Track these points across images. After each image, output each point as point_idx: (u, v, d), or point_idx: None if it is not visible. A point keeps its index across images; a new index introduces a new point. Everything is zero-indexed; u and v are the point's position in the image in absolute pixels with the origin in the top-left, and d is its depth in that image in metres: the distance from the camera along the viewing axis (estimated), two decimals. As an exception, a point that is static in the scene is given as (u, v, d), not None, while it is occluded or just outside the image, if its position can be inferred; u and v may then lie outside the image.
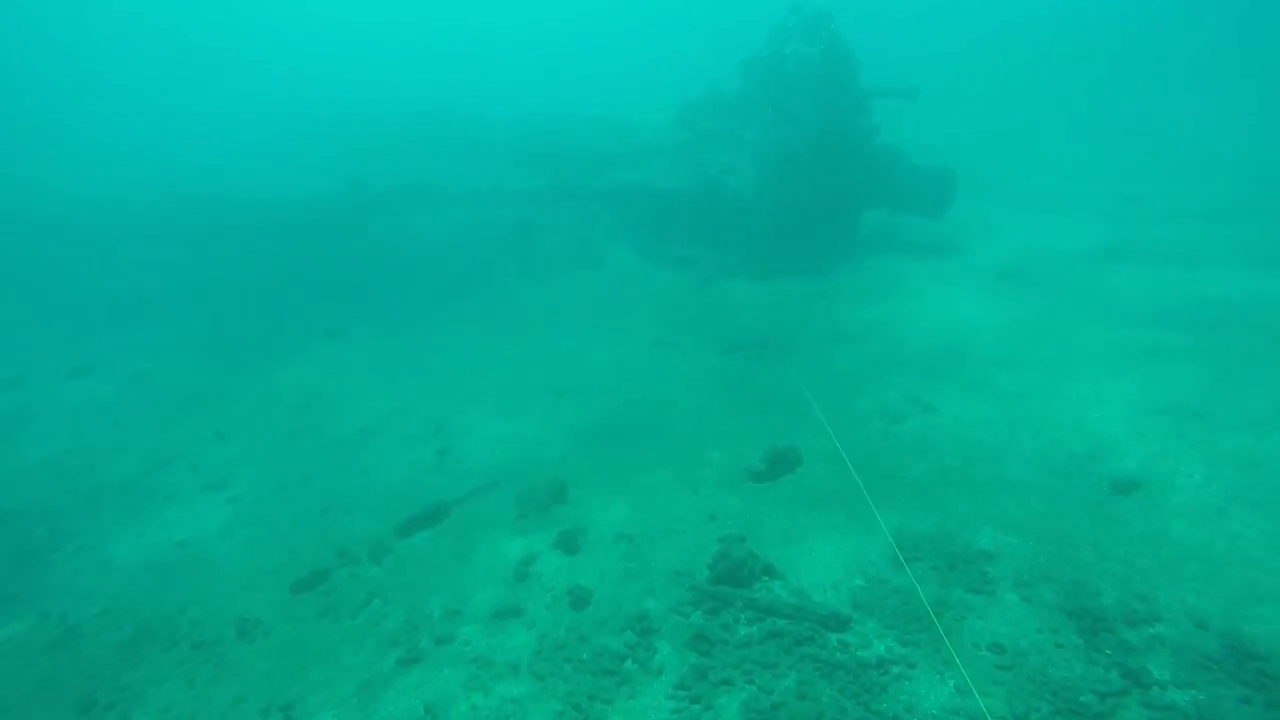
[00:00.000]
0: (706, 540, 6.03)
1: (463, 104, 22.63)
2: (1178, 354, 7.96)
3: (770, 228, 11.91)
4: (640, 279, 13.11)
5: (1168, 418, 6.79)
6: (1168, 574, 5.03)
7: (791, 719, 4.21)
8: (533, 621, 5.41)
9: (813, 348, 9.48)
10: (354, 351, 11.95)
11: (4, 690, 5.54)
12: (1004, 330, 9.12)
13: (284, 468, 8.70)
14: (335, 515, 7.47)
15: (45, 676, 5.65)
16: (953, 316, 9.72)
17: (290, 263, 15.59)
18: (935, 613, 4.78)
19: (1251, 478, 5.81)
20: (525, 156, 17.70)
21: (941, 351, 8.84)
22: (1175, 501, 5.73)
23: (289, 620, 5.95)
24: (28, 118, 23.71)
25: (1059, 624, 4.73)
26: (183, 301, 14.91)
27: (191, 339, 13.23)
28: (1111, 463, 6.30)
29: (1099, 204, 14.35)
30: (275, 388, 11.03)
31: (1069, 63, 28.33)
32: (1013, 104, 22.73)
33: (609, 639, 5.06)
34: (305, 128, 21.42)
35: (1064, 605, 4.88)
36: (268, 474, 8.62)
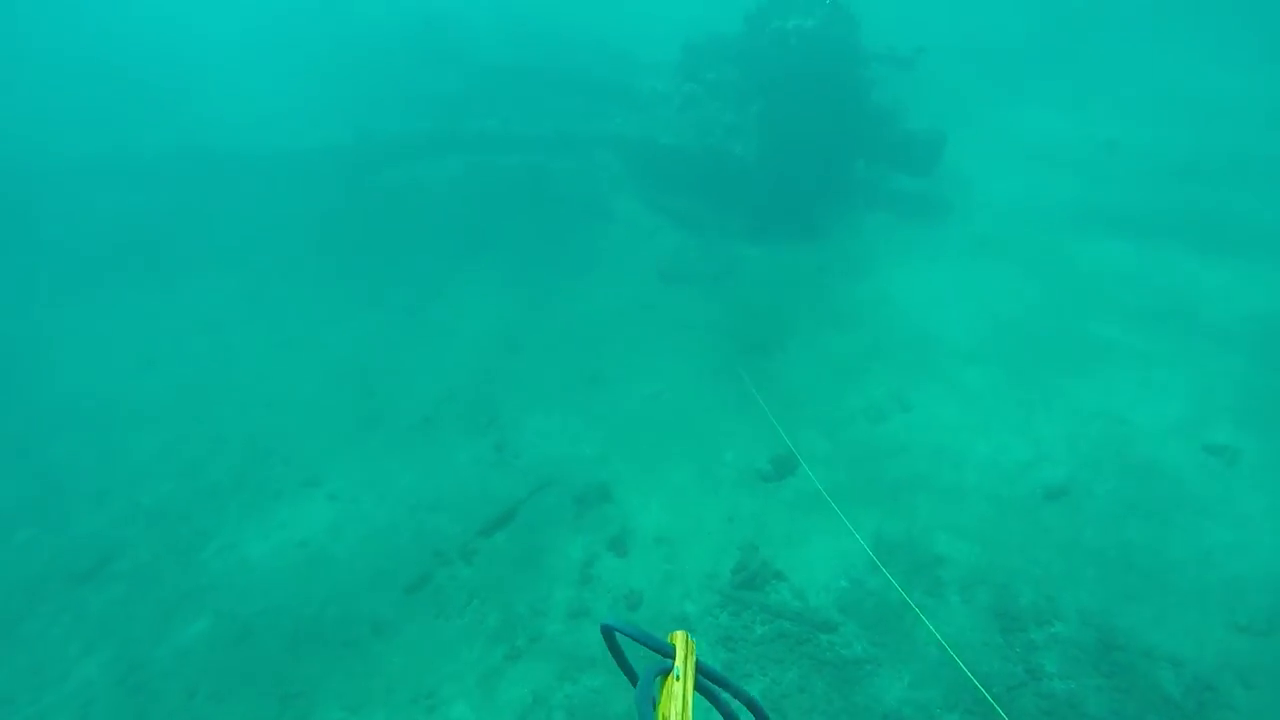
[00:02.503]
0: (728, 543, 7.79)
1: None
2: (1118, 352, 9.41)
3: (771, 192, 12.97)
4: (649, 237, 14.26)
5: (1098, 423, 8.37)
6: (1072, 577, 6.79)
7: (795, 709, 6.10)
8: (596, 620, 7.25)
9: (810, 334, 10.86)
10: (394, 323, 13.26)
11: (213, 682, 7.47)
12: (974, 320, 10.49)
13: (365, 462, 10.34)
14: (422, 514, 9.20)
15: (241, 670, 7.55)
16: (932, 301, 11.05)
17: (316, 220, 16.48)
18: (909, 607, 6.59)
19: (1149, 488, 7.47)
20: (528, 95, 18.21)
21: (920, 342, 10.26)
22: (1088, 509, 7.42)
23: (410, 620, 7.79)
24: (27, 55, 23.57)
25: (987, 623, 6.54)
26: (217, 263, 15.96)
27: (236, 306, 14.48)
28: (1046, 470, 7.94)
29: (1077, 152, 15.20)
30: (330, 364, 12.43)
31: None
32: (1003, 36, 22.46)
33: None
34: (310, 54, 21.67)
35: (993, 607, 6.67)
36: (353, 468, 10.27)
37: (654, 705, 1.46)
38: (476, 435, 10.37)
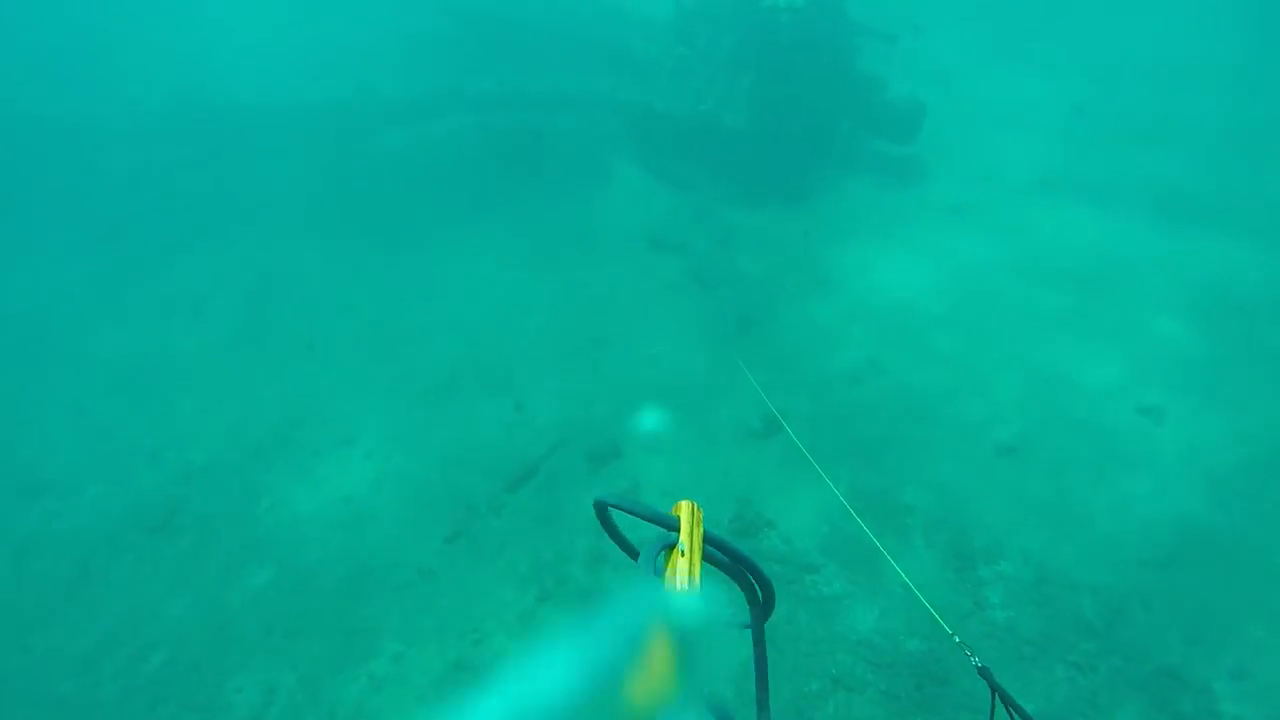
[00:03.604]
0: (725, 495, 8.99)
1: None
2: (1070, 319, 10.52)
3: (760, 161, 13.80)
4: (646, 200, 15.09)
5: (1047, 386, 9.54)
6: (1017, 523, 8.05)
7: (784, 638, 7.39)
8: (616, 566, 8.49)
9: (797, 300, 11.87)
10: (409, 284, 14.13)
11: (285, 621, 8.70)
12: (945, 286, 11.52)
13: (396, 420, 11.41)
14: (454, 471, 10.34)
15: (308, 611, 8.79)
16: (907, 267, 12.06)
17: (324, 180, 17.10)
18: (881, 550, 7.84)
19: (1086, 444, 8.70)
20: (523, 51, 18.56)
21: (895, 308, 11.31)
22: (1034, 463, 8.64)
23: (451, 566, 9.02)
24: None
25: (945, 563, 7.81)
26: (229, 223, 16.61)
27: (254, 266, 15.25)
28: (1000, 429, 9.13)
29: (1047, 117, 15.98)
30: (353, 324, 13.35)
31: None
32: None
33: (670, 582, 8.21)
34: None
35: (950, 548, 7.94)
36: (385, 428, 11.35)
37: (661, 575, 1.39)
38: (497, 395, 11.42)
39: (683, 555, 1.45)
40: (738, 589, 1.65)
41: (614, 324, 12.26)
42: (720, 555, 1.58)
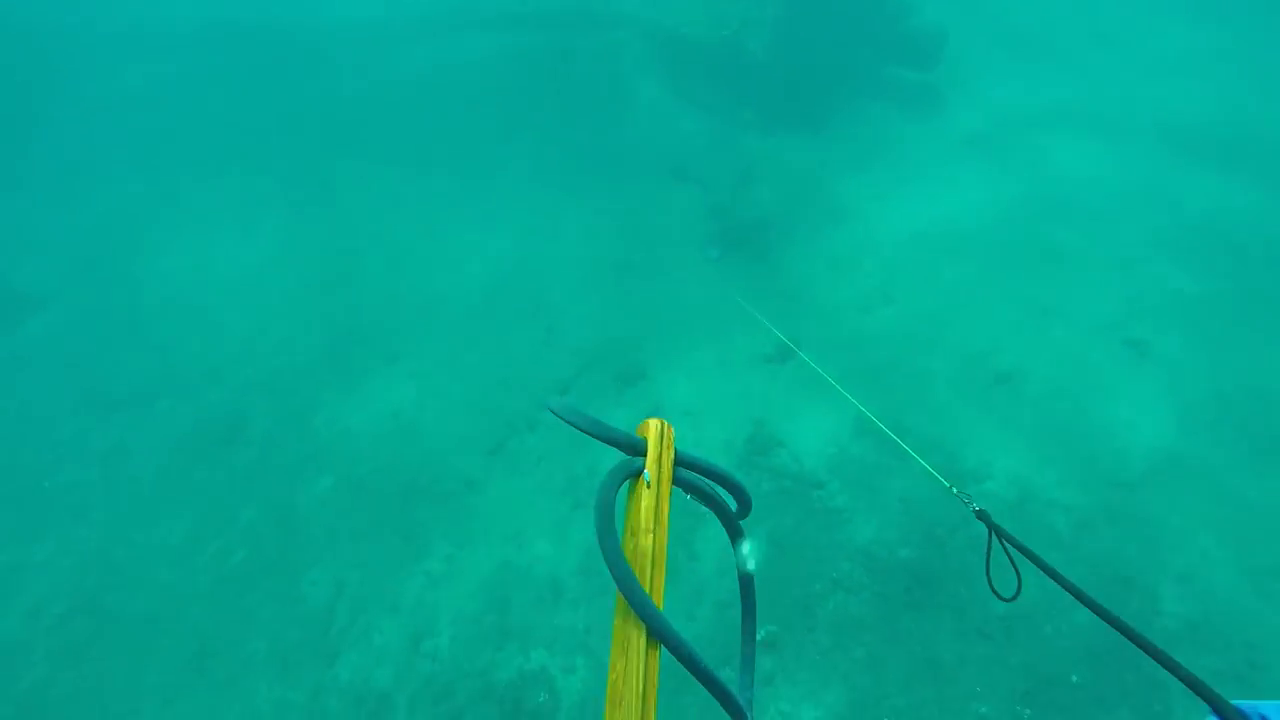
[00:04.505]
0: (741, 417, 9.88)
1: None
2: (1071, 254, 11.07)
3: (784, 86, 14.07)
4: (668, 122, 15.41)
5: (1044, 319, 10.22)
6: (1006, 447, 8.92)
7: (791, 545, 8.42)
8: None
9: (812, 228, 12.43)
10: (442, 208, 14.74)
11: (347, 524, 9.83)
12: (955, 218, 12.03)
13: (437, 343, 12.26)
14: (491, 390, 11.25)
15: (366, 516, 9.89)
16: (919, 197, 12.52)
17: (355, 101, 17.42)
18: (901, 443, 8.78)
19: (1074, 375, 9.46)
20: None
21: (906, 238, 11.87)
22: (1026, 392, 9.44)
23: (492, 478, 10.03)
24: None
25: (937, 481, 8.73)
26: (264, 144, 17.10)
27: (291, 188, 15.83)
28: (997, 359, 9.88)
29: (1069, 42, 15.92)
30: (390, 247, 14.06)
31: None
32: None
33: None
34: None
35: (941, 468, 8.83)
36: (425, 348, 12.21)
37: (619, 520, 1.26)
38: (528, 319, 12.22)
39: (648, 487, 1.30)
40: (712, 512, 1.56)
41: (637, 250, 12.90)
42: (694, 477, 1.46)
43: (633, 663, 1.15)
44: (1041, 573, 1.78)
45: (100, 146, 17.14)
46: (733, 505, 1.61)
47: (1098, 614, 1.51)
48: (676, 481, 1.42)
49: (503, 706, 7.38)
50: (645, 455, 1.36)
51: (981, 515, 2.01)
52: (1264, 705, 1.06)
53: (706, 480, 1.49)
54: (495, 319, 12.34)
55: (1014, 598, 1.96)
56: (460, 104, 16.39)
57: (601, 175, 14.42)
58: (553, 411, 1.37)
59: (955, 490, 2.40)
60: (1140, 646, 1.38)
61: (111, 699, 8.06)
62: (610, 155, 14.77)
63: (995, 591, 2.00)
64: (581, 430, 1.35)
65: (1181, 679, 1.24)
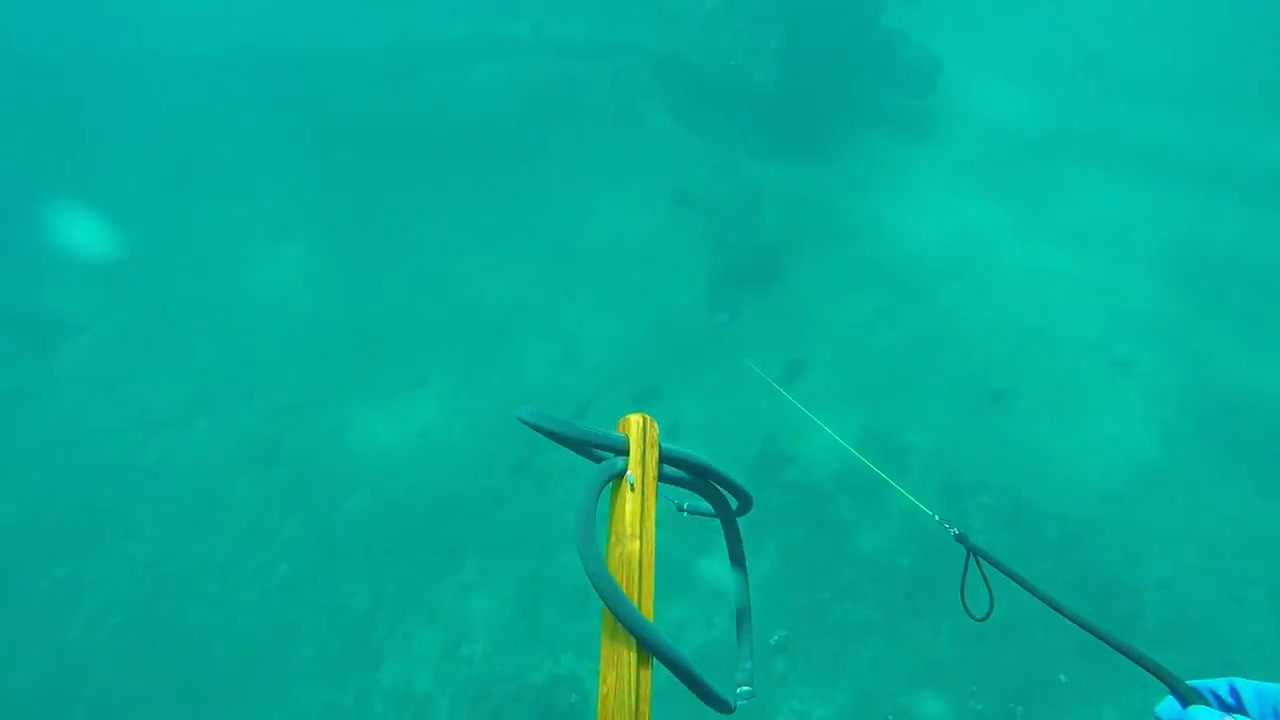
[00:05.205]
0: (752, 434, 10.51)
1: None
2: (1060, 276, 11.71)
3: (788, 115, 14.75)
4: (674, 148, 16.10)
5: (1035, 340, 10.86)
6: (1000, 462, 9.55)
7: (801, 556, 9.05)
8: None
9: (817, 252, 13.06)
10: (460, 230, 15.38)
11: (383, 540, 10.44)
12: (950, 242, 12.68)
13: (458, 362, 12.89)
14: (514, 408, 11.87)
15: (401, 531, 10.51)
16: (917, 220, 13.18)
17: (372, 128, 18.06)
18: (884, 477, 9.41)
19: (1063, 393, 10.10)
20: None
21: (905, 261, 12.52)
22: (1018, 410, 10.07)
23: (518, 494, 10.65)
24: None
25: (937, 494, 9.37)
26: (284, 168, 17.73)
27: (314, 212, 16.47)
28: (990, 378, 10.51)
29: (1059, 68, 16.61)
30: (411, 270, 14.70)
31: None
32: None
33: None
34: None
35: (942, 482, 9.47)
36: (449, 369, 12.84)
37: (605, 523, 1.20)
38: (546, 340, 12.86)
39: (632, 490, 1.27)
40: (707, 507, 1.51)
41: (650, 274, 13.54)
42: (681, 473, 1.44)
43: (623, 677, 1.13)
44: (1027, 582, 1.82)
45: (134, 171, 17.79)
46: (733, 504, 1.56)
47: (1073, 620, 1.55)
48: (663, 479, 1.37)
49: (538, 706, 8.00)
50: (628, 455, 1.32)
51: (960, 538, 1.99)
52: (1214, 682, 1.12)
53: (699, 478, 1.47)
54: (514, 340, 12.97)
55: (985, 618, 1.95)
56: (469, 128, 17.03)
57: (611, 199, 15.06)
58: (522, 420, 1.34)
59: (937, 517, 2.35)
60: (1102, 639, 1.43)
61: (171, 703, 8.69)
62: (618, 179, 15.43)
63: (968, 611, 2.01)
64: (555, 436, 1.31)
65: (1135, 660, 1.30)
